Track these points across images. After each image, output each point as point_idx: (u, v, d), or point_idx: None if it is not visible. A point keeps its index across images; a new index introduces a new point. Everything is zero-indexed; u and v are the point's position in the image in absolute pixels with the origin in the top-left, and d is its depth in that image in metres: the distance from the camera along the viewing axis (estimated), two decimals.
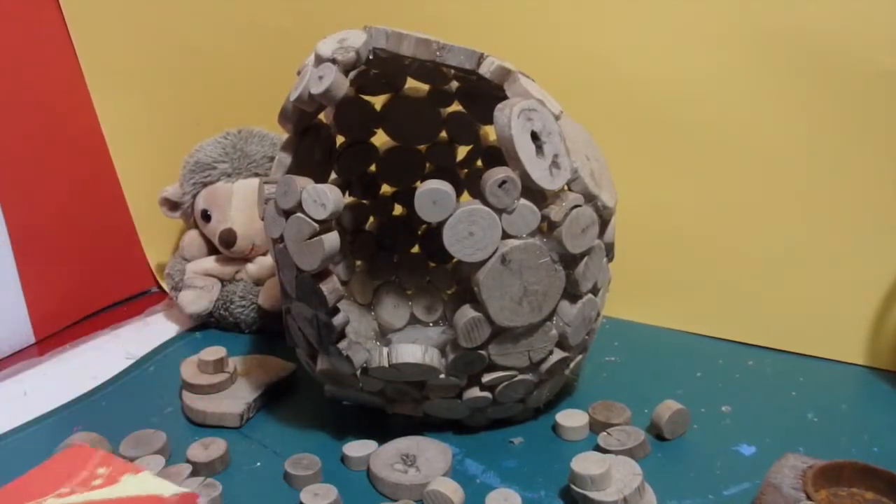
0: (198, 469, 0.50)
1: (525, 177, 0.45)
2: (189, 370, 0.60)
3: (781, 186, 0.64)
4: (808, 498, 0.37)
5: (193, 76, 0.85)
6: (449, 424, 0.54)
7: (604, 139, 0.56)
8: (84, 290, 0.78)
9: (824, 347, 0.63)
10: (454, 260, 0.47)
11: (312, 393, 0.59)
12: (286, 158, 0.53)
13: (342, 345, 0.49)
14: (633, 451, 0.49)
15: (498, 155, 0.48)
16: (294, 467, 0.49)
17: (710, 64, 0.65)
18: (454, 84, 0.60)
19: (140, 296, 0.84)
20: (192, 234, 0.77)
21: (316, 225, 0.47)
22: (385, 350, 0.49)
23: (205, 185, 0.74)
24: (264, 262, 0.74)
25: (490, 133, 0.64)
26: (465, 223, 0.45)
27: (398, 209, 0.69)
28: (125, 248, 0.83)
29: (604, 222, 0.51)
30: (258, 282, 0.73)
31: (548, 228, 0.47)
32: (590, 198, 0.48)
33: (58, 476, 0.43)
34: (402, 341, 0.60)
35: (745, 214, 0.66)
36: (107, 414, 0.60)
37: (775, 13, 0.61)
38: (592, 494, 0.43)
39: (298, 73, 0.51)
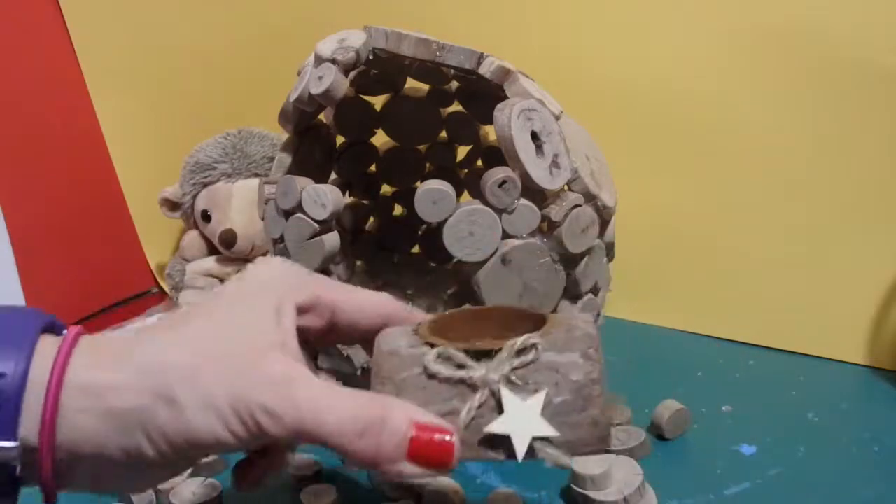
0: (198, 469, 0.50)
1: (525, 177, 0.45)
2: None
3: (781, 186, 0.64)
4: (433, 346, 0.31)
5: (193, 76, 0.85)
6: None
7: (604, 139, 0.56)
8: (84, 290, 0.78)
9: (824, 347, 0.63)
10: (454, 260, 0.47)
11: None
12: (286, 158, 0.53)
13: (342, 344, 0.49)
14: (634, 451, 0.49)
15: (498, 155, 0.48)
16: (294, 468, 0.49)
17: (710, 64, 0.65)
18: (454, 84, 0.60)
19: (140, 296, 0.84)
20: (193, 235, 0.77)
21: (316, 225, 0.47)
22: None
23: (205, 185, 0.74)
24: None
25: (490, 133, 0.64)
26: (465, 223, 0.45)
27: (398, 209, 0.69)
28: (125, 248, 0.83)
29: (604, 222, 0.51)
30: None
31: (548, 228, 0.47)
32: (590, 197, 0.48)
33: None
34: None
35: (746, 214, 0.66)
36: None
37: (775, 13, 0.61)
38: (593, 494, 0.43)
39: (298, 73, 0.51)
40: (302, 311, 0.33)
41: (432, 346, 0.31)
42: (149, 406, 0.28)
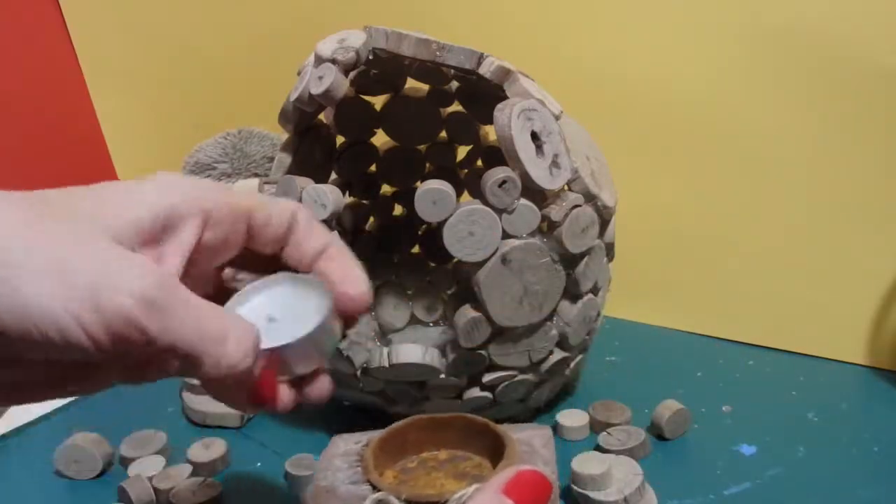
0: (198, 469, 0.50)
1: (525, 177, 0.45)
2: None
3: (781, 186, 0.64)
4: (375, 488, 0.29)
5: (193, 76, 0.85)
6: None
7: (604, 139, 0.56)
8: None
9: (824, 347, 0.63)
10: (454, 260, 0.47)
11: None
12: (286, 159, 0.53)
13: (342, 345, 0.49)
14: (634, 451, 0.49)
15: (498, 155, 0.48)
16: (294, 467, 0.49)
17: (710, 64, 0.65)
18: (454, 84, 0.60)
19: None
20: None
21: None
22: (385, 350, 0.49)
23: None
24: None
25: (490, 133, 0.64)
26: (465, 223, 0.45)
27: (398, 209, 0.69)
28: None
29: (604, 222, 0.51)
30: None
31: (548, 228, 0.47)
32: (590, 198, 0.48)
33: None
34: (402, 341, 0.59)
35: (746, 214, 0.66)
36: (107, 414, 0.60)
37: (776, 13, 0.61)
38: (593, 494, 0.43)
39: (298, 73, 0.51)
40: (213, 217, 0.28)
41: (374, 486, 0.29)
42: None
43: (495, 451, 0.31)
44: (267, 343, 0.27)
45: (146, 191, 0.26)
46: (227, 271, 0.32)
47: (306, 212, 0.31)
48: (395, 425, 0.32)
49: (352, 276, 0.30)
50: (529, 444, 0.31)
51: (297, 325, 0.28)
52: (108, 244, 0.23)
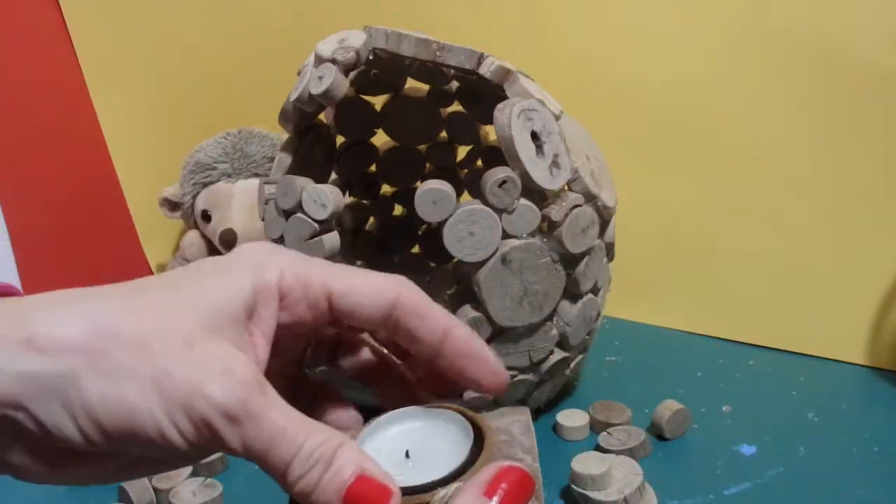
0: (198, 469, 0.50)
1: (525, 177, 0.45)
2: None
3: (781, 186, 0.64)
4: None
5: (193, 76, 0.85)
6: None
7: (604, 139, 0.56)
8: None
9: (824, 347, 0.63)
10: (454, 260, 0.47)
11: None
12: (286, 159, 0.53)
13: None
14: (634, 451, 0.49)
15: (498, 155, 0.48)
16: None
17: (710, 64, 0.65)
18: (454, 84, 0.60)
19: None
20: (193, 235, 0.77)
21: (316, 225, 0.47)
22: None
23: (205, 185, 0.74)
24: None
25: (490, 133, 0.64)
26: (465, 223, 0.45)
27: (398, 209, 0.69)
28: (125, 248, 0.83)
29: (604, 222, 0.51)
30: None
31: (548, 228, 0.47)
32: (590, 198, 0.48)
33: None
34: None
35: (746, 214, 0.66)
36: None
37: (775, 13, 0.61)
38: (593, 494, 0.43)
39: (298, 73, 0.51)
40: (289, 298, 0.28)
41: None
42: (77, 371, 0.22)
43: (474, 442, 0.31)
44: (401, 482, 0.26)
45: (234, 274, 0.27)
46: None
47: (415, 294, 0.29)
48: (375, 420, 0.32)
49: (485, 364, 0.30)
50: (508, 431, 0.31)
51: (435, 463, 0.28)
52: (207, 344, 0.25)
